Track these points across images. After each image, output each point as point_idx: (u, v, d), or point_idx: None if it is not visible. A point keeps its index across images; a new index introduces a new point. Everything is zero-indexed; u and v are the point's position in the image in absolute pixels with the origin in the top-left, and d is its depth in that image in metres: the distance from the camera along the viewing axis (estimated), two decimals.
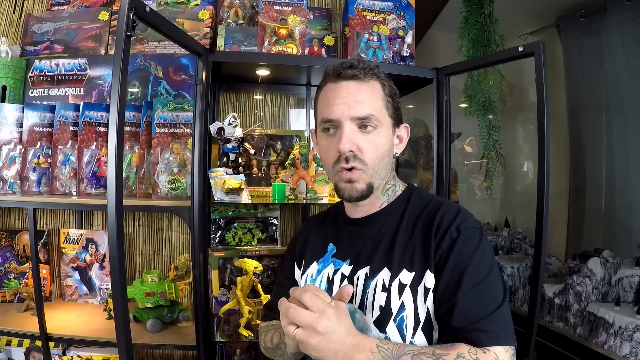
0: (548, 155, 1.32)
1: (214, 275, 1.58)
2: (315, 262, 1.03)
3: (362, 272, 0.92)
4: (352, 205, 0.99)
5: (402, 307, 0.84)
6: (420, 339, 0.83)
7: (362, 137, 0.90)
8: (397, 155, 0.99)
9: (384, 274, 0.88)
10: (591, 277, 1.79)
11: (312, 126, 1.91)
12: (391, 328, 0.84)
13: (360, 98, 0.90)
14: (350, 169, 0.89)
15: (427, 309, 0.83)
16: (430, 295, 0.83)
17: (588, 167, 2.49)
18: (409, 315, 0.84)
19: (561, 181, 2.61)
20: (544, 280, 2.09)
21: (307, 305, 0.75)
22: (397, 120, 0.97)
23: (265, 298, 1.54)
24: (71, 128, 1.68)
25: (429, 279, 0.84)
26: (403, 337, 0.83)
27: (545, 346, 1.86)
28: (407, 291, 0.85)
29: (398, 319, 0.84)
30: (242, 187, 1.51)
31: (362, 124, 0.89)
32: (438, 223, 0.87)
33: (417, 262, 0.86)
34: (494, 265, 0.84)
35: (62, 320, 1.64)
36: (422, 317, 0.83)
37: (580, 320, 1.76)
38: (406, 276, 0.86)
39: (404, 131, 0.99)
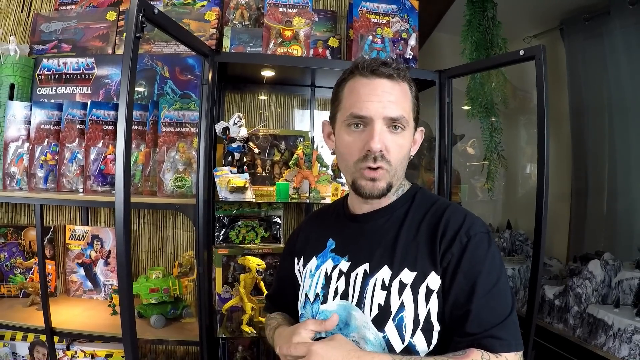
0: (547, 158, 1.33)
1: (218, 272, 1.60)
2: (314, 257, 1.03)
3: (361, 269, 0.91)
4: (362, 201, 0.96)
5: (401, 306, 0.83)
6: (419, 339, 0.83)
7: (390, 138, 0.89)
8: (412, 157, 0.99)
9: (384, 272, 0.87)
10: (591, 279, 1.80)
11: (319, 121, 1.95)
12: (390, 328, 0.83)
13: (394, 98, 0.88)
14: (375, 168, 0.89)
15: (429, 310, 0.83)
16: (434, 297, 0.83)
17: (590, 169, 2.49)
18: (408, 316, 0.83)
19: (563, 183, 2.62)
20: (545, 282, 2.12)
21: (294, 356, 0.79)
22: (416, 123, 0.97)
23: None
24: (78, 126, 1.70)
25: (433, 280, 0.84)
26: (402, 338, 0.82)
27: (544, 347, 1.87)
28: (408, 291, 0.84)
29: (397, 318, 0.83)
30: (246, 186, 1.52)
31: (393, 124, 0.89)
32: (444, 225, 0.87)
33: (420, 262, 0.86)
34: (503, 269, 0.86)
35: (67, 315, 1.67)
36: (422, 318, 0.83)
37: (580, 322, 1.78)
38: (407, 276, 0.85)
39: (419, 134, 0.99)
